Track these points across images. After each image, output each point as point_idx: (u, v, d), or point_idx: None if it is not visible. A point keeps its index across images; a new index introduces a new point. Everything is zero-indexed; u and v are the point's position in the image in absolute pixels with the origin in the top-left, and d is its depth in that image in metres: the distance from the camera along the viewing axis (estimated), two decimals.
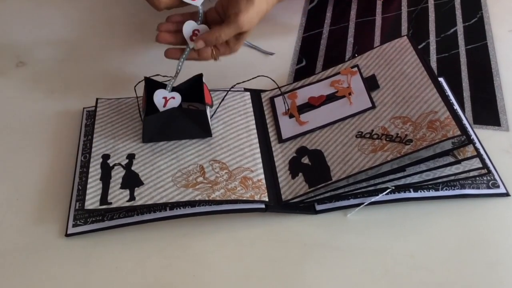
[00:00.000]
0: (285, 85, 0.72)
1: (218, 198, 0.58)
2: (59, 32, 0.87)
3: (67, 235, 0.59)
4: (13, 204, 0.63)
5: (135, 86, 0.67)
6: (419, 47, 0.81)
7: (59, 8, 0.92)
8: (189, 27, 0.66)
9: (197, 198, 0.58)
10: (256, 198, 0.58)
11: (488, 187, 0.61)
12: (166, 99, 0.64)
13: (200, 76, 0.66)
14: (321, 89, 0.69)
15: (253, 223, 0.60)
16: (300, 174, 0.61)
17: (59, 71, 0.80)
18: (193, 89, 0.65)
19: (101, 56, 0.82)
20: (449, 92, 0.72)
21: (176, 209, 0.59)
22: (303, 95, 0.69)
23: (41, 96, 0.76)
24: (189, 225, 0.59)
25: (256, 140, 0.65)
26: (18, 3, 0.94)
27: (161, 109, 0.63)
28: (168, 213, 0.59)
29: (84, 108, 0.73)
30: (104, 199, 0.59)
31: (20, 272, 0.57)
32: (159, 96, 0.64)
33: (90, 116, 0.71)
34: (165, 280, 0.55)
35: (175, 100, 0.64)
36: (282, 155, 0.64)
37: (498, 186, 0.61)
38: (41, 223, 0.61)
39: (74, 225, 0.59)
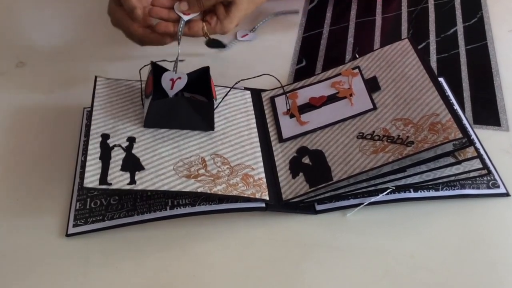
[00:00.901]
0: (285, 85, 0.72)
1: (220, 193, 0.57)
2: (59, 32, 0.87)
3: (67, 235, 0.59)
4: (13, 204, 0.63)
5: (140, 69, 0.67)
6: (419, 47, 0.81)
7: (59, 8, 0.92)
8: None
9: (199, 190, 0.57)
10: (257, 196, 0.58)
11: (488, 187, 0.61)
12: (173, 81, 0.63)
13: (207, 69, 0.65)
14: (322, 89, 0.69)
15: (253, 223, 0.60)
16: (301, 174, 0.61)
17: (59, 71, 0.80)
18: (198, 81, 0.65)
19: (101, 56, 0.82)
20: (449, 92, 0.72)
21: (176, 208, 0.59)
22: (303, 95, 0.69)
23: (41, 96, 0.76)
24: (189, 225, 0.59)
25: (257, 139, 0.65)
26: (18, 3, 0.94)
27: (169, 91, 0.63)
28: (168, 212, 0.59)
29: (84, 108, 0.73)
30: (103, 179, 0.58)
31: (20, 272, 0.57)
32: (166, 79, 0.63)
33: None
34: (165, 280, 0.55)
35: (182, 80, 0.63)
36: (282, 155, 0.64)
37: (498, 186, 0.61)
38: (41, 223, 0.61)
39: (74, 225, 0.59)
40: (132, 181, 0.58)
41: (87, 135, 0.67)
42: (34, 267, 0.57)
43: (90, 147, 0.60)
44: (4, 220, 0.61)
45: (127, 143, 0.62)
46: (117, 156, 0.60)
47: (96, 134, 0.62)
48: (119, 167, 0.59)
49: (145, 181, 0.58)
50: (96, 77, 0.70)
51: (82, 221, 0.59)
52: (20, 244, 0.59)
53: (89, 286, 0.55)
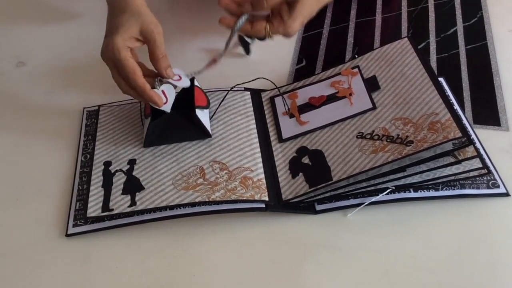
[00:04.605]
0: (285, 85, 0.72)
1: (218, 199, 0.58)
2: (59, 32, 0.87)
3: (67, 235, 0.59)
4: (13, 204, 0.63)
5: None
6: (419, 47, 0.81)
7: (59, 8, 0.92)
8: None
9: (197, 200, 0.58)
10: (256, 197, 0.58)
11: (488, 187, 0.61)
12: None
13: (191, 79, 0.65)
14: (321, 89, 0.69)
15: (253, 223, 0.60)
16: (301, 174, 0.61)
17: (59, 71, 0.80)
18: (187, 93, 0.65)
19: None
20: (449, 92, 0.72)
21: (176, 209, 0.59)
22: (303, 95, 0.69)
23: (41, 96, 0.76)
24: (189, 225, 0.59)
25: (256, 140, 0.65)
26: (18, 3, 0.94)
27: (164, 107, 0.61)
28: (168, 213, 0.59)
29: (84, 108, 0.73)
30: (105, 206, 0.59)
31: (20, 272, 0.57)
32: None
33: (91, 116, 0.71)
34: (165, 280, 0.55)
35: (168, 89, 0.61)
36: (282, 155, 0.64)
37: (498, 186, 0.61)
38: (41, 223, 0.61)
39: (74, 225, 0.59)
40: (133, 203, 0.59)
41: (87, 134, 0.67)
42: (34, 267, 0.57)
43: (93, 176, 0.62)
44: (4, 220, 0.61)
45: (128, 166, 0.63)
46: (119, 181, 0.61)
47: (99, 163, 0.64)
48: (120, 191, 0.60)
49: (145, 201, 0.59)
50: (99, 107, 0.71)
51: (82, 221, 0.59)
52: (20, 244, 0.59)
53: (89, 286, 0.55)
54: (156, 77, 0.61)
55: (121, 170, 0.63)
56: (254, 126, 0.67)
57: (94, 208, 0.59)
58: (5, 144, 0.70)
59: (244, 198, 0.58)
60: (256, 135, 0.66)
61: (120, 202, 0.59)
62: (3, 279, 0.56)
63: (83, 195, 0.62)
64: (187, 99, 0.64)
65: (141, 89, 0.58)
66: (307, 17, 0.64)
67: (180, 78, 0.63)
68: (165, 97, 0.61)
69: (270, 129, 0.67)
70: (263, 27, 0.63)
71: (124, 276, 0.56)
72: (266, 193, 0.59)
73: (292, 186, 0.60)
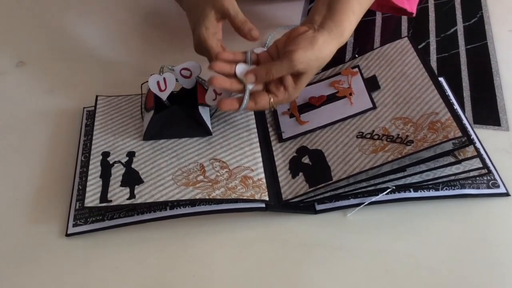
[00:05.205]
0: None
1: (218, 197, 0.58)
2: (59, 32, 0.87)
3: (67, 235, 0.59)
4: (13, 204, 0.63)
5: (142, 84, 0.67)
6: (419, 47, 0.81)
7: (59, 8, 0.92)
8: (241, 67, 0.61)
9: (197, 197, 0.58)
10: (257, 197, 0.58)
11: (488, 187, 0.61)
12: (159, 84, 0.63)
13: (196, 82, 0.66)
14: (321, 89, 0.69)
15: (253, 223, 0.60)
16: (301, 173, 0.61)
17: (59, 71, 0.80)
18: (191, 90, 0.65)
19: (102, 56, 0.82)
20: (449, 92, 0.72)
21: (176, 208, 0.59)
22: (303, 95, 0.69)
23: (41, 96, 0.76)
24: (189, 225, 0.59)
25: (257, 139, 0.65)
26: (18, 3, 0.94)
27: (161, 94, 0.63)
28: (168, 212, 0.59)
29: (84, 108, 0.73)
30: (104, 197, 0.59)
31: (20, 272, 0.57)
32: (154, 85, 0.63)
33: (90, 116, 0.71)
34: (165, 280, 0.55)
35: (169, 78, 0.63)
36: (282, 155, 0.64)
37: (498, 186, 0.61)
38: (41, 223, 0.61)
39: (74, 225, 0.59)
40: (132, 196, 0.59)
41: (87, 134, 0.67)
42: (34, 267, 0.57)
43: (90, 166, 0.62)
44: (4, 220, 0.61)
45: (126, 158, 0.63)
46: (117, 172, 0.61)
47: (96, 153, 0.63)
48: (119, 183, 0.60)
49: (144, 194, 0.59)
50: (97, 97, 0.71)
51: (82, 221, 0.59)
52: (20, 244, 0.59)
53: (89, 286, 0.55)
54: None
55: (119, 161, 0.62)
56: (255, 125, 0.67)
57: (92, 198, 0.59)
58: (5, 144, 0.70)
59: (245, 197, 0.58)
60: (256, 134, 0.66)
61: (118, 194, 0.59)
62: (3, 279, 0.56)
63: (83, 195, 0.62)
64: (190, 96, 0.65)
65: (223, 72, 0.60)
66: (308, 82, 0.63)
67: (191, 75, 0.65)
68: (165, 84, 0.63)
69: (270, 129, 0.67)
70: (267, 102, 0.61)
71: (124, 276, 0.56)
72: (266, 193, 0.59)
73: (292, 186, 0.60)
